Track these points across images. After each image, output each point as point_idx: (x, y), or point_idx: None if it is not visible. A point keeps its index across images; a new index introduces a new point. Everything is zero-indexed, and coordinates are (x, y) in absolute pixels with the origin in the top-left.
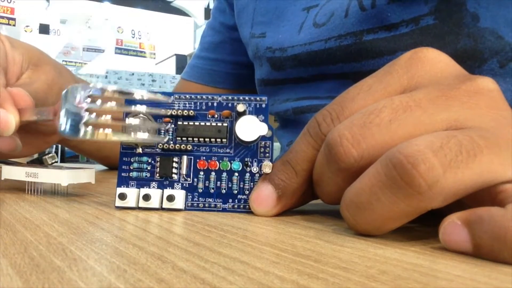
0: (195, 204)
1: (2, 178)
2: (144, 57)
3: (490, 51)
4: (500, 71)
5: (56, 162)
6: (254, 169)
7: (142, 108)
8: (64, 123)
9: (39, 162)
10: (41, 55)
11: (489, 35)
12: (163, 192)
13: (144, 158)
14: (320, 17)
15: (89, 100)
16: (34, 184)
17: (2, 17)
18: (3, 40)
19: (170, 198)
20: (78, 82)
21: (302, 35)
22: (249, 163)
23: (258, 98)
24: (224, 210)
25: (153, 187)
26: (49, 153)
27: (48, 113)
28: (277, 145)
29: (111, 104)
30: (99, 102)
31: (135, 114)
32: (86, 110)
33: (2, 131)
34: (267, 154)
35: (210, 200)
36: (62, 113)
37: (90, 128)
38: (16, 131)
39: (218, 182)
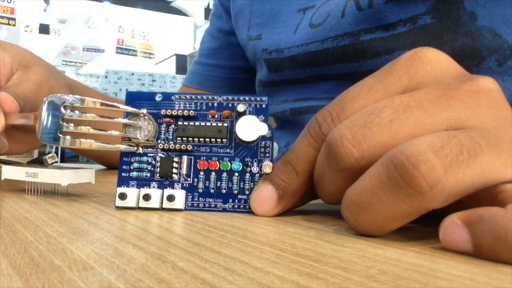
0: (195, 204)
1: (2, 178)
2: (144, 57)
3: (488, 49)
4: (498, 70)
5: (56, 162)
6: (254, 169)
7: (122, 120)
8: (42, 130)
9: (39, 162)
10: (32, 56)
11: (486, 33)
12: (163, 192)
13: (144, 158)
14: (316, 18)
15: (67, 109)
16: (34, 184)
17: (2, 17)
18: None
19: (170, 198)
20: (70, 84)
21: (298, 36)
22: (249, 163)
23: (258, 99)
24: (224, 210)
25: (153, 187)
26: (49, 153)
27: (29, 119)
28: (275, 145)
29: (90, 115)
30: (77, 112)
31: (135, 115)
32: (64, 119)
33: None
34: (267, 154)
35: (210, 200)
36: (42, 120)
37: (68, 137)
38: (4, 132)
39: (218, 182)
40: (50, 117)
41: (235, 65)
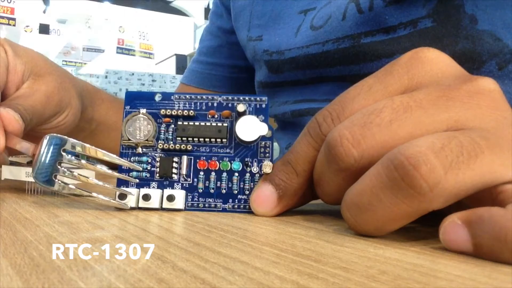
0: (195, 204)
1: (2, 178)
2: (144, 57)
3: (488, 53)
4: (498, 73)
5: None
6: (254, 169)
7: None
8: (37, 170)
9: None
10: (46, 64)
11: (487, 37)
12: (163, 192)
13: (144, 158)
14: (317, 20)
15: (66, 153)
16: (34, 184)
17: (2, 17)
18: (6, 49)
19: (170, 198)
20: (80, 92)
21: (299, 38)
22: (249, 163)
23: (258, 99)
24: (224, 210)
25: (153, 187)
26: None
27: (28, 150)
28: (275, 145)
29: (86, 162)
30: (73, 158)
31: (135, 114)
32: (60, 163)
33: None
34: (267, 154)
35: (210, 200)
36: (39, 158)
37: (62, 183)
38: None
39: (218, 182)
40: (49, 157)
41: (235, 64)
